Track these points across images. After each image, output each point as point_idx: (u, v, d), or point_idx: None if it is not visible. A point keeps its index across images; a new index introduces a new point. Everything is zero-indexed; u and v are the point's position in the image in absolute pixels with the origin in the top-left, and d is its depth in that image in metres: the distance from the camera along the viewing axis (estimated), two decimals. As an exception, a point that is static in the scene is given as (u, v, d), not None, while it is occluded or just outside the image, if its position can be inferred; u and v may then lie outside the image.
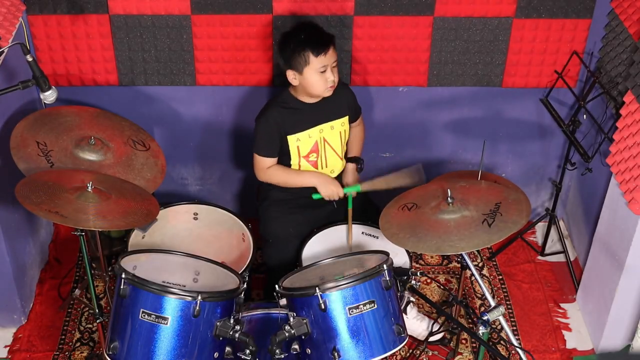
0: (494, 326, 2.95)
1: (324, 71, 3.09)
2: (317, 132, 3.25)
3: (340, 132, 3.30)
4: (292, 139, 3.22)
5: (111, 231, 3.69)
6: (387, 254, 2.83)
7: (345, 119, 3.32)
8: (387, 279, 2.70)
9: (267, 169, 3.25)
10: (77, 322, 3.50)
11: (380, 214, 2.97)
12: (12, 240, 3.32)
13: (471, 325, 3.52)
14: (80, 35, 3.43)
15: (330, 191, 3.23)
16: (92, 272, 3.10)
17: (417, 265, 3.84)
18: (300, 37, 3.07)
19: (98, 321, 2.98)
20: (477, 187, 2.99)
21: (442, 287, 3.69)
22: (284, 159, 3.27)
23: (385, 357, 2.70)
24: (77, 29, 3.42)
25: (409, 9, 3.41)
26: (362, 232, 3.30)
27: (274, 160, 3.26)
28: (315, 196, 3.25)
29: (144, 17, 3.41)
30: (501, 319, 2.87)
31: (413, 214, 2.88)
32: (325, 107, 3.23)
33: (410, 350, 3.36)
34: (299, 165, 3.29)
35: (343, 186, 3.30)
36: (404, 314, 2.81)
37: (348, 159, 3.41)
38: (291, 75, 3.12)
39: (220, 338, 2.64)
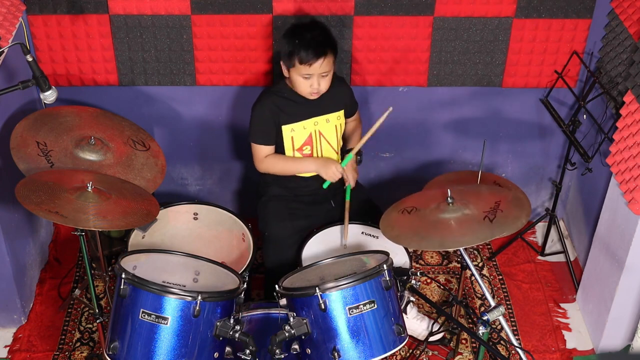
0: (494, 326, 2.95)
1: (309, 78, 3.10)
2: (312, 124, 3.25)
3: (335, 126, 3.30)
4: (286, 129, 3.22)
5: (111, 231, 3.69)
6: (387, 254, 2.84)
7: (341, 112, 3.31)
8: (387, 279, 2.70)
9: (265, 157, 3.26)
10: (77, 322, 3.50)
11: (380, 214, 2.98)
12: (12, 240, 3.32)
13: (471, 325, 3.53)
14: (80, 35, 3.44)
15: (331, 172, 3.23)
16: (92, 272, 3.10)
17: (417, 265, 3.84)
18: (295, 40, 3.07)
19: (98, 321, 2.98)
20: (477, 190, 2.99)
21: (442, 287, 3.69)
22: (278, 151, 3.27)
23: (385, 357, 2.70)
24: (77, 29, 3.42)
25: (409, 9, 3.41)
26: (362, 232, 3.30)
27: (271, 148, 3.26)
28: (325, 185, 3.25)
29: (144, 17, 3.41)
30: (501, 319, 2.87)
31: (414, 217, 2.88)
32: (320, 100, 3.22)
33: (410, 350, 3.36)
34: None
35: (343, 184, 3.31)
36: (404, 314, 2.81)
37: (346, 151, 3.40)
38: (283, 67, 3.15)
39: (220, 338, 2.64)
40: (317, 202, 3.35)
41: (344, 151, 3.40)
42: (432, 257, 3.89)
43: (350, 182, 3.31)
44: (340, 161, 3.32)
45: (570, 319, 3.59)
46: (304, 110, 3.22)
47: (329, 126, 3.28)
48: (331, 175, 3.23)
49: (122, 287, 2.60)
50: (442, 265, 3.85)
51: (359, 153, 3.39)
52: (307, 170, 3.28)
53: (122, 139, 3.17)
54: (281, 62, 3.15)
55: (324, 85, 3.14)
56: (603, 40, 3.44)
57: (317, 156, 3.30)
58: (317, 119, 3.25)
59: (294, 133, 3.23)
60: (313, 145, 3.27)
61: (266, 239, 3.33)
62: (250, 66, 3.54)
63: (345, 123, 3.39)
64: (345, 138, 3.43)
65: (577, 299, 3.66)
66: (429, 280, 3.74)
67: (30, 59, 2.73)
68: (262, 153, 3.26)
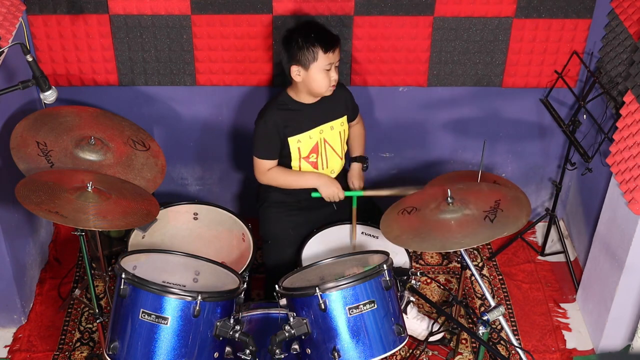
0: (494, 326, 2.95)
1: (329, 69, 3.10)
2: (317, 132, 3.25)
3: (339, 132, 3.31)
4: (292, 141, 3.22)
5: (111, 231, 3.69)
6: (387, 254, 2.84)
7: (344, 118, 3.32)
8: (387, 279, 2.70)
9: (267, 171, 3.26)
10: (77, 322, 3.50)
11: (380, 214, 2.97)
12: (12, 240, 3.32)
13: (471, 325, 3.53)
14: (80, 35, 3.44)
15: (331, 192, 3.25)
16: (92, 272, 3.10)
17: (417, 265, 3.84)
18: (310, 34, 3.07)
19: (98, 321, 2.98)
20: (477, 188, 2.99)
21: (442, 287, 3.69)
22: (284, 161, 3.28)
23: (385, 357, 2.70)
24: (77, 29, 3.42)
25: (409, 9, 3.41)
26: (362, 232, 3.30)
27: (273, 162, 3.26)
28: (314, 195, 3.26)
29: (144, 17, 3.41)
30: (501, 319, 2.87)
31: (414, 217, 2.87)
32: (324, 107, 3.24)
33: (410, 350, 3.36)
34: (300, 167, 3.29)
35: (347, 189, 3.32)
36: (404, 314, 2.81)
37: (352, 159, 3.42)
38: (295, 71, 3.11)
39: (220, 338, 2.64)
40: (319, 206, 3.34)
41: (351, 159, 3.43)
42: (432, 257, 3.89)
43: (356, 188, 3.37)
44: (345, 172, 3.39)
45: (570, 319, 3.59)
46: (309, 119, 3.23)
47: (334, 133, 3.29)
48: (330, 195, 3.25)
49: (122, 287, 2.60)
50: (442, 265, 3.85)
51: (364, 161, 3.41)
52: (308, 185, 3.28)
53: (122, 139, 3.17)
54: (293, 68, 3.10)
55: (337, 75, 3.17)
56: (603, 40, 3.44)
57: (322, 165, 3.30)
58: (322, 127, 3.26)
59: (300, 144, 3.23)
60: (319, 153, 3.28)
61: (266, 242, 3.33)
62: (250, 66, 3.54)
63: (349, 127, 3.39)
64: (349, 142, 3.44)
65: (577, 299, 3.66)
66: (429, 280, 3.74)
67: (30, 59, 2.73)
68: (265, 167, 3.26)
